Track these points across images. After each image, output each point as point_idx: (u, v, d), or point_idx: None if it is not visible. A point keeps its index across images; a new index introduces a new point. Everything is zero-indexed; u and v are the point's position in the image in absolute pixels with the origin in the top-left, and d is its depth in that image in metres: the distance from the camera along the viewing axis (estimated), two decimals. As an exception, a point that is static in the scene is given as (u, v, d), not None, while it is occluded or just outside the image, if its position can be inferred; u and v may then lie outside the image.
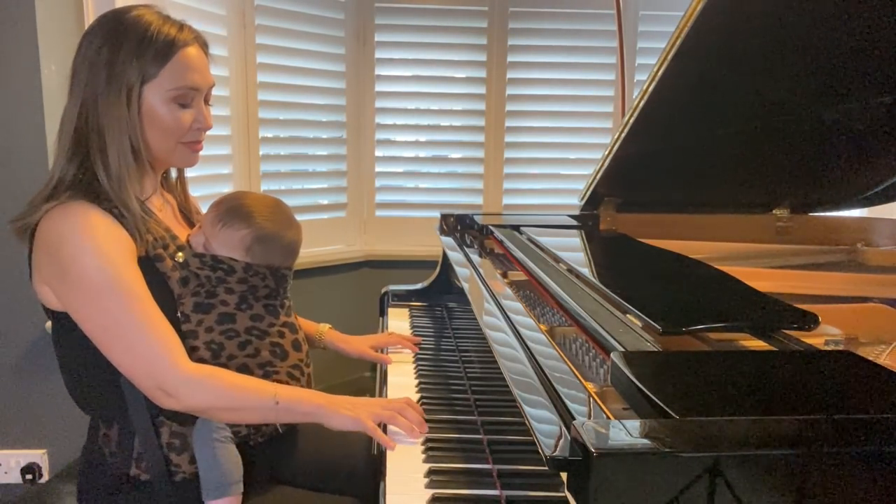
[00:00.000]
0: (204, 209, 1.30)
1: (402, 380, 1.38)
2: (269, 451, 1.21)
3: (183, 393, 1.04)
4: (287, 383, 1.17)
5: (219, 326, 1.13)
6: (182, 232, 1.22)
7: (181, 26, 1.10)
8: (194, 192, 1.35)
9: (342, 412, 1.09)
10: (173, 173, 1.28)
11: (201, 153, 1.20)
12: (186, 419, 1.10)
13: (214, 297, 1.14)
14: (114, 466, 1.11)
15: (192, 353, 1.10)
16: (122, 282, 1.03)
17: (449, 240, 1.78)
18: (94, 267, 1.02)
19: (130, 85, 1.06)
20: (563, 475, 0.61)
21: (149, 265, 1.09)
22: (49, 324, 1.10)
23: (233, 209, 1.18)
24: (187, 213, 1.29)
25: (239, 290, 1.16)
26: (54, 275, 1.05)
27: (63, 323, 1.08)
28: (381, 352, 1.49)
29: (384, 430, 1.11)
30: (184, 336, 1.10)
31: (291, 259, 1.25)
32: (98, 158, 1.07)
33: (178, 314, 1.11)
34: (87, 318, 1.04)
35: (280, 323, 1.20)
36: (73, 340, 1.08)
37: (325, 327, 1.45)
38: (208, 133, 1.19)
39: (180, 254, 1.13)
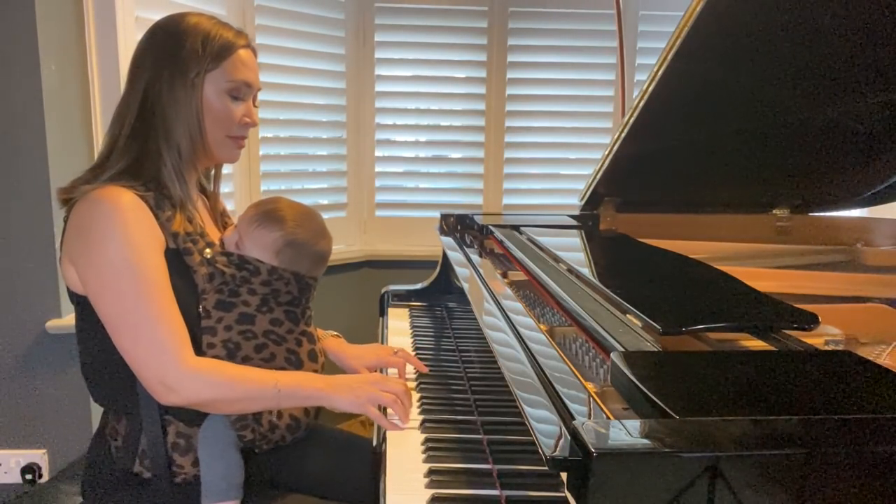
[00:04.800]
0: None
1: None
2: (272, 457, 1.21)
3: (184, 387, 1.04)
4: None
5: (238, 326, 1.14)
6: (212, 230, 1.24)
7: (238, 32, 1.18)
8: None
9: (343, 394, 1.12)
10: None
11: None
12: (193, 420, 1.10)
13: (237, 297, 1.15)
14: (118, 461, 1.12)
15: (209, 349, 1.11)
16: (143, 270, 1.05)
17: (449, 240, 1.78)
18: (118, 252, 1.05)
19: (194, 74, 1.13)
20: (563, 475, 0.61)
21: (177, 257, 1.11)
22: (48, 323, 1.10)
23: (270, 211, 1.22)
24: (217, 213, 1.31)
25: (261, 293, 1.17)
26: (81, 255, 1.07)
27: (86, 308, 1.10)
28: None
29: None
30: (202, 332, 1.11)
31: (319, 269, 1.25)
32: (163, 142, 1.12)
33: (200, 309, 1.12)
34: (103, 302, 1.06)
35: (299, 331, 1.21)
36: (94, 327, 1.09)
37: (328, 334, 1.40)
38: None
39: (208, 250, 1.16)
